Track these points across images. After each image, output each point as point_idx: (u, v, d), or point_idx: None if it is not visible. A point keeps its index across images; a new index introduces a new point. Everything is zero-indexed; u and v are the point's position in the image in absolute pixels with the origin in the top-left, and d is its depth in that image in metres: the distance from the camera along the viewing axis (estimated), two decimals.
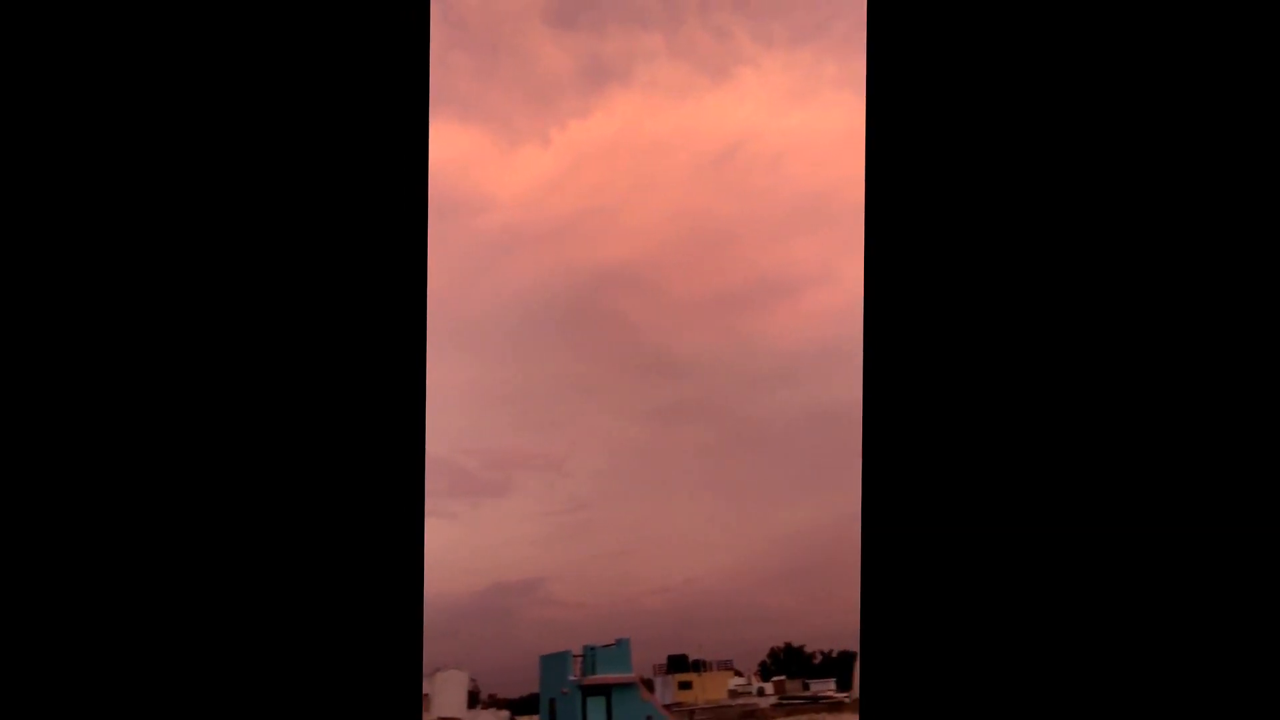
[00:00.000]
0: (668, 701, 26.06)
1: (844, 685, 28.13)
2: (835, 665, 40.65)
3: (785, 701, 23.41)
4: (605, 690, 22.21)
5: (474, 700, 27.84)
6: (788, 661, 46.68)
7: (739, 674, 32.48)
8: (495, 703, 30.38)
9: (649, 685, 25.45)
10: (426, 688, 22.08)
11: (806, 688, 31.11)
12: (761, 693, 29.39)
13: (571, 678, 22.30)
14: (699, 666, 29.89)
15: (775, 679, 34.17)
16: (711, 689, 28.16)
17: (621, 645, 23.33)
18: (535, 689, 23.33)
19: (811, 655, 48.82)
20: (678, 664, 29.83)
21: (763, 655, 48.44)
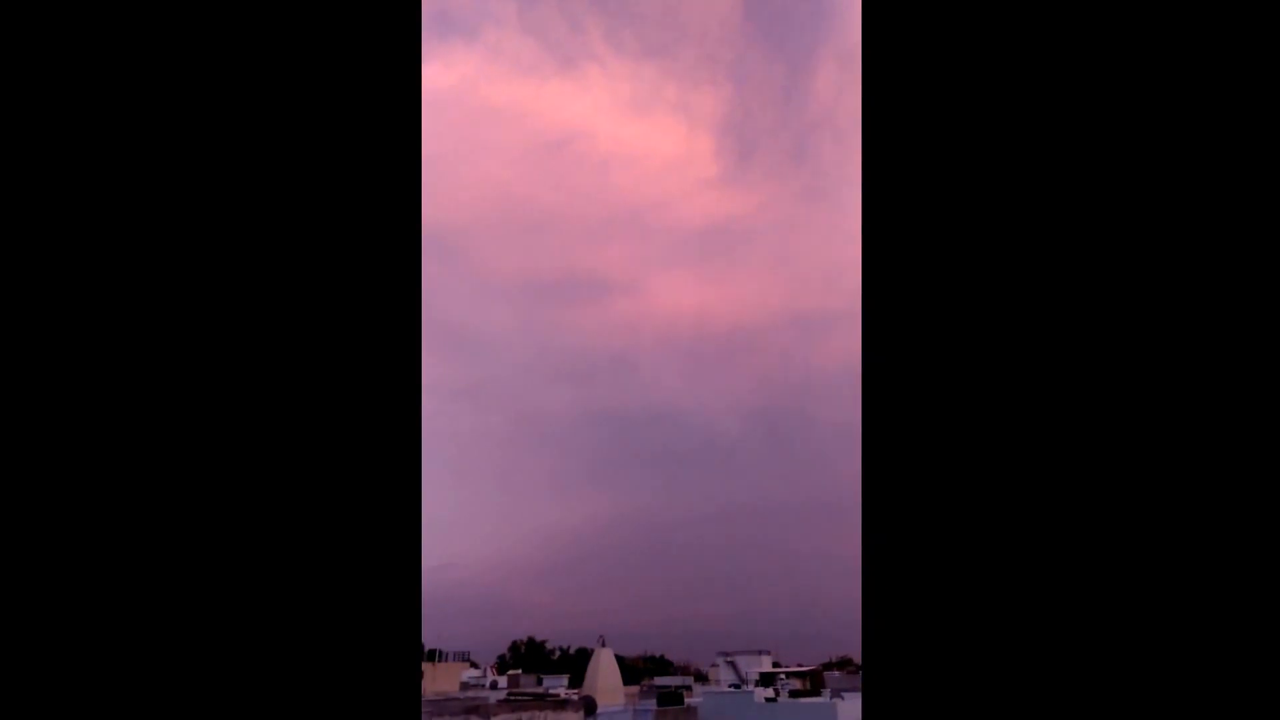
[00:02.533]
0: None
1: (575, 683, 28.62)
2: (571, 662, 41.36)
3: (513, 697, 23.48)
4: None
5: None
6: (528, 656, 46.99)
7: (475, 666, 32.26)
8: None
9: None
10: None
11: (540, 683, 31.40)
12: (494, 686, 29.35)
13: None
14: (434, 656, 29.42)
15: (511, 673, 34.24)
16: (443, 680, 27.77)
17: None
18: None
19: (552, 651, 49.45)
20: None
21: (504, 648, 48.54)
